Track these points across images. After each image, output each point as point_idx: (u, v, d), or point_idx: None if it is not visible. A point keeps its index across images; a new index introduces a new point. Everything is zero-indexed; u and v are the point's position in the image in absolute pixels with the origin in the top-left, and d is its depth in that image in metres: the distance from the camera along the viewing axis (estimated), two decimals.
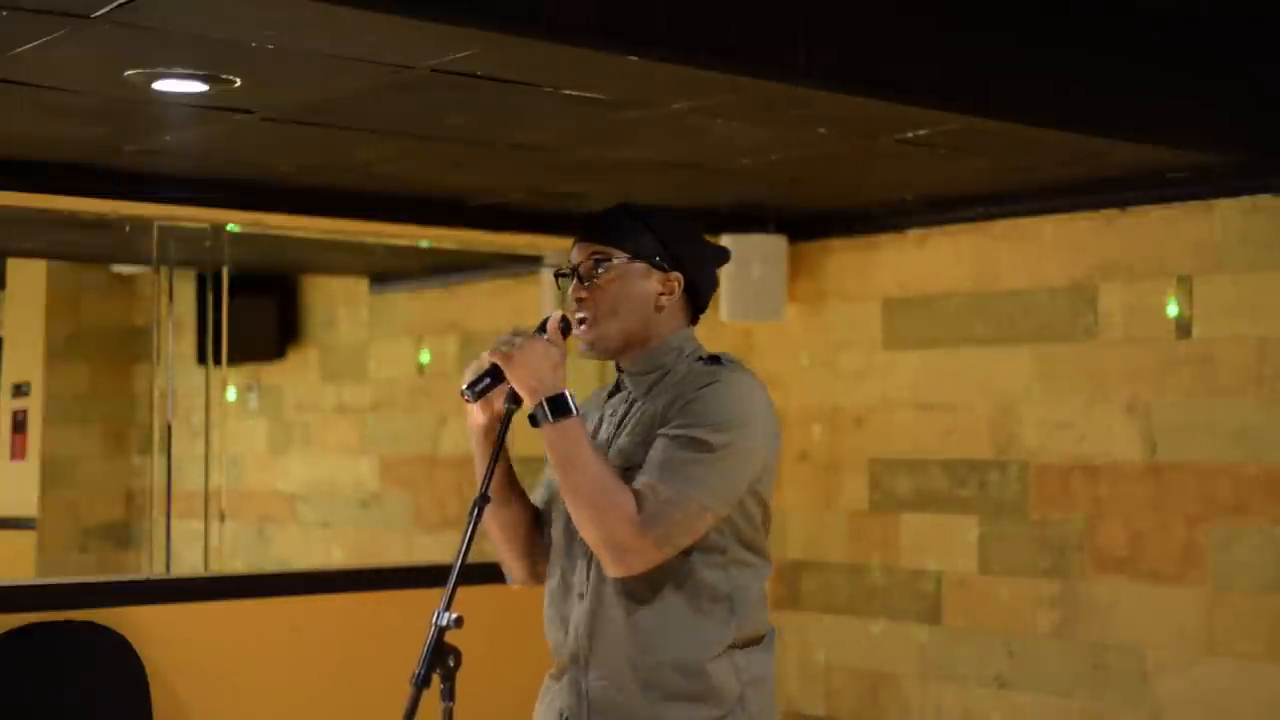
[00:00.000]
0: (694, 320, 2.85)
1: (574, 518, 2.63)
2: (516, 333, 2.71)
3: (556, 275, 2.85)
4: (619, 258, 2.75)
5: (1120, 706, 5.39)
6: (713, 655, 2.64)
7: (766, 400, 2.73)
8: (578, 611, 2.72)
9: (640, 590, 2.64)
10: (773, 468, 2.74)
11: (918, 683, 6.01)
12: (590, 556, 2.69)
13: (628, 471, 2.64)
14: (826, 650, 6.32)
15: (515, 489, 2.86)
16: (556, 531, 2.80)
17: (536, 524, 2.88)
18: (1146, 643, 5.34)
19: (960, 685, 5.86)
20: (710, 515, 2.62)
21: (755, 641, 2.71)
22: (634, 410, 2.76)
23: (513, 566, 2.90)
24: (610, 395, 2.86)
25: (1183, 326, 5.28)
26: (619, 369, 2.84)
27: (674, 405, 2.67)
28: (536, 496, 2.92)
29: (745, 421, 2.66)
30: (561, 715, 2.75)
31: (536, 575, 2.89)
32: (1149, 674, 5.33)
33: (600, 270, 2.75)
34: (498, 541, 2.87)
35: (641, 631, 2.64)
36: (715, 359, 2.76)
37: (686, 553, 2.63)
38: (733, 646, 2.66)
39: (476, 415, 2.79)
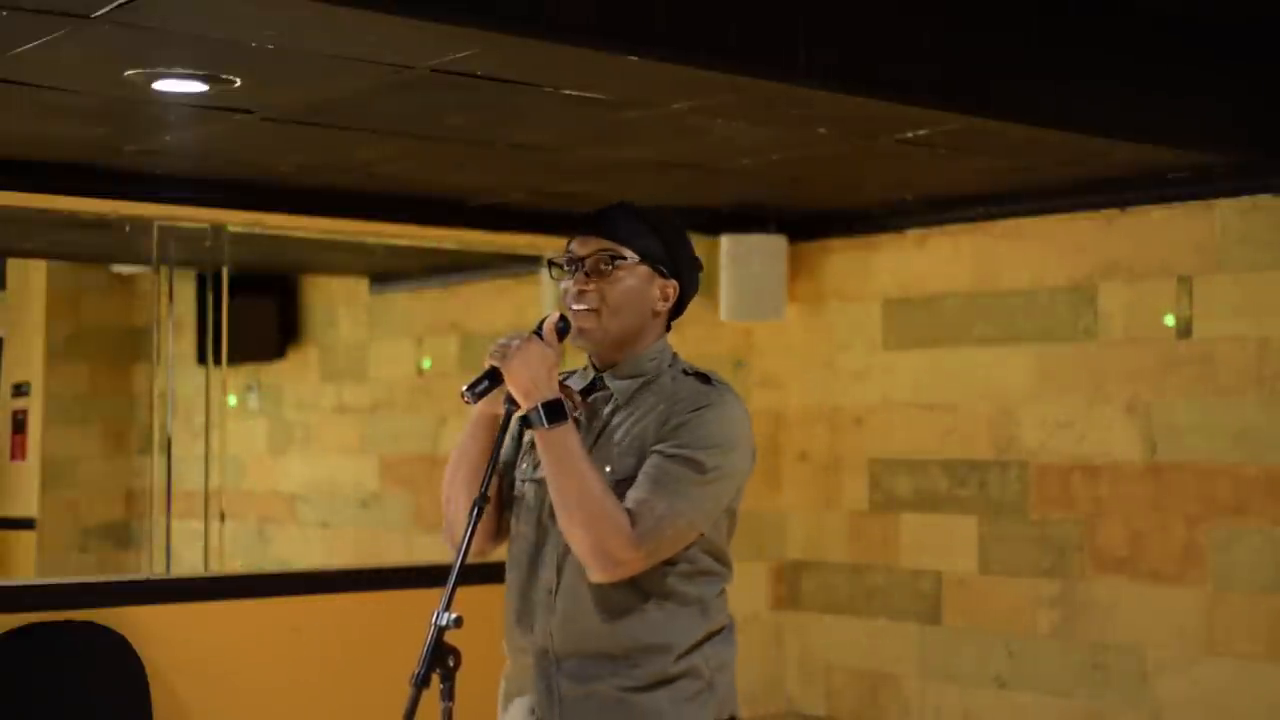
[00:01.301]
0: (669, 327, 2.87)
1: (563, 523, 2.65)
2: (514, 335, 2.71)
3: (550, 264, 2.84)
4: (631, 257, 2.76)
5: (1120, 706, 5.39)
6: (686, 650, 2.71)
7: (749, 421, 2.80)
8: (545, 608, 2.73)
9: (616, 594, 2.68)
10: (744, 483, 2.82)
11: (918, 683, 6.01)
12: (561, 555, 2.71)
13: (619, 484, 2.67)
14: (826, 650, 6.32)
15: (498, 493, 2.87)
16: (525, 527, 2.80)
17: (499, 509, 2.88)
18: (1146, 643, 5.34)
19: (960, 685, 5.86)
20: (695, 532, 2.69)
21: (718, 633, 2.78)
22: (619, 417, 2.76)
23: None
24: (585, 390, 2.85)
25: (1182, 327, 5.29)
26: (595, 368, 2.84)
27: (668, 423, 2.70)
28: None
29: (735, 445, 2.73)
30: (532, 713, 2.75)
31: (489, 549, 2.90)
32: (1149, 674, 5.33)
33: (613, 266, 2.75)
34: (462, 505, 2.84)
35: (618, 631, 2.69)
36: (705, 377, 2.79)
37: (661, 563, 2.70)
38: (703, 640, 2.74)
39: (484, 406, 2.79)
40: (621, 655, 2.68)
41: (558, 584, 2.72)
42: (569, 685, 2.71)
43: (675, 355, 2.85)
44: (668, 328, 2.87)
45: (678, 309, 2.87)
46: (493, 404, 2.78)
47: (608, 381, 2.81)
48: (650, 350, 2.81)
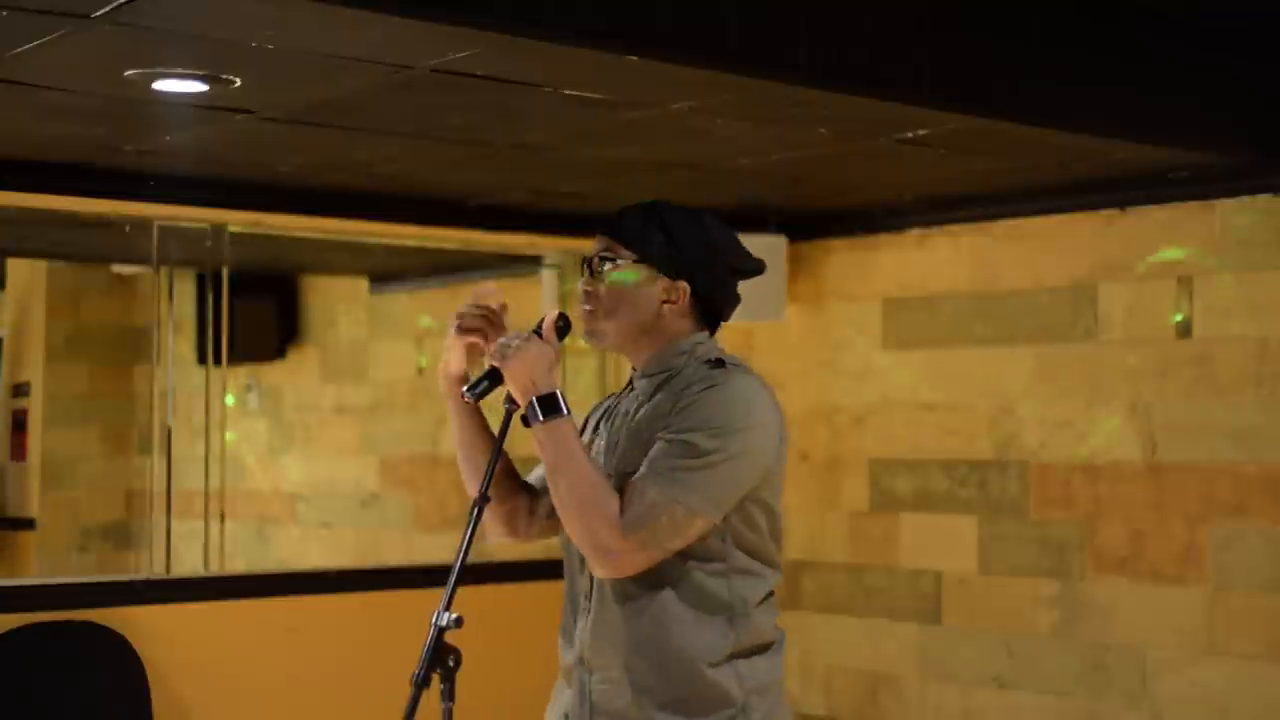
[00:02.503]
0: (713, 328, 2.83)
1: (561, 518, 2.64)
2: (514, 335, 2.71)
3: (584, 262, 2.84)
4: (625, 258, 2.75)
5: (1120, 706, 5.39)
6: (713, 662, 2.63)
7: (771, 403, 2.70)
8: (583, 613, 2.73)
9: (639, 595, 2.64)
10: (779, 473, 2.72)
11: (918, 683, 6.01)
12: None
13: (627, 475, 2.64)
14: (826, 650, 6.32)
15: (510, 474, 2.88)
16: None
17: (522, 493, 2.89)
18: (1146, 643, 5.34)
19: (960, 685, 5.86)
20: (701, 520, 2.60)
21: (761, 649, 2.69)
22: (641, 413, 2.75)
23: (492, 520, 2.88)
24: (624, 393, 2.86)
25: (1183, 327, 5.29)
26: (633, 368, 2.85)
27: (673, 409, 2.66)
28: (534, 476, 2.92)
29: (742, 426, 2.63)
30: (565, 717, 2.75)
31: (521, 533, 2.89)
32: (1149, 674, 5.33)
33: (605, 268, 2.75)
34: (471, 485, 2.87)
35: (639, 637, 2.64)
36: (720, 362, 2.74)
37: (685, 559, 2.62)
38: (735, 655, 2.65)
39: (452, 364, 2.80)
40: (643, 666, 2.63)
41: (591, 588, 2.71)
42: (600, 696, 2.68)
43: (710, 348, 2.78)
44: (712, 329, 2.82)
45: (713, 312, 2.81)
46: (457, 389, 2.79)
47: (635, 381, 2.82)
48: (678, 345, 2.77)
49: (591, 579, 2.71)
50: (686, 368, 2.75)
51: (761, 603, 2.69)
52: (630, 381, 2.85)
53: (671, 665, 2.62)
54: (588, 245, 2.84)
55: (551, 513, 2.80)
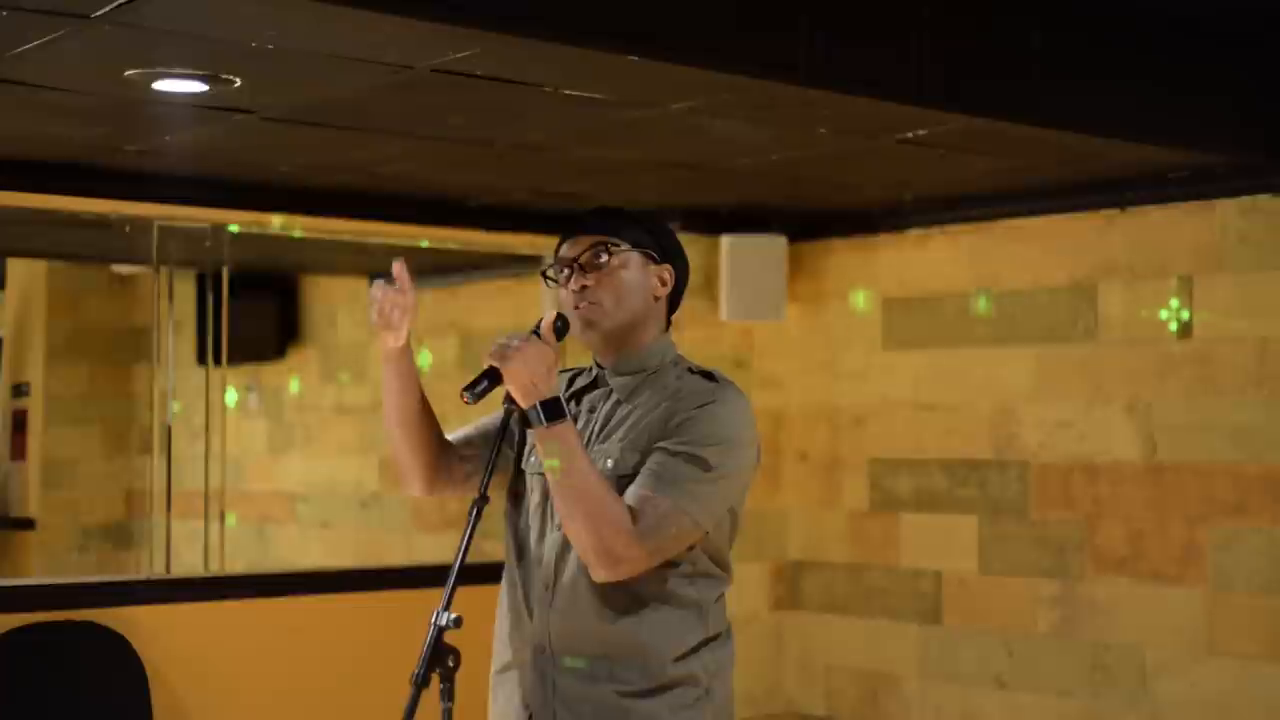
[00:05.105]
0: (668, 324, 2.87)
1: (565, 522, 2.65)
2: (513, 335, 2.71)
3: (545, 276, 2.85)
4: (623, 245, 2.78)
5: (1120, 706, 5.39)
6: (683, 654, 2.70)
7: (753, 419, 2.79)
8: (543, 604, 2.73)
9: (616, 593, 2.68)
10: (750, 482, 2.80)
11: (918, 683, 6.01)
12: (560, 551, 2.71)
13: (620, 479, 2.67)
14: (826, 650, 6.32)
15: (421, 397, 2.86)
16: (529, 520, 2.81)
17: (442, 439, 2.88)
18: (1146, 643, 5.34)
19: (960, 685, 5.86)
20: (699, 531, 2.68)
21: (718, 638, 2.78)
22: (620, 413, 2.77)
23: (412, 473, 2.87)
24: (586, 388, 2.86)
25: (1183, 327, 5.29)
26: (598, 365, 2.85)
27: (673, 419, 2.69)
28: (457, 435, 2.91)
29: (741, 443, 2.72)
30: (527, 709, 2.75)
31: (437, 487, 2.88)
32: (1149, 674, 5.33)
33: (606, 257, 2.77)
34: (398, 441, 2.85)
35: (616, 631, 2.68)
36: (709, 374, 2.79)
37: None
38: (700, 646, 2.73)
39: (389, 340, 2.85)
40: (618, 656, 2.68)
41: (555, 580, 2.73)
42: (567, 684, 2.70)
43: (679, 354, 2.85)
44: (668, 324, 2.87)
45: (674, 301, 2.87)
46: (393, 344, 2.84)
47: (609, 378, 2.82)
48: (652, 345, 2.81)
49: (556, 571, 2.72)
50: (665, 372, 2.79)
51: (717, 600, 2.78)
52: (595, 378, 2.85)
53: (648, 658, 2.68)
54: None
55: (469, 477, 2.85)
